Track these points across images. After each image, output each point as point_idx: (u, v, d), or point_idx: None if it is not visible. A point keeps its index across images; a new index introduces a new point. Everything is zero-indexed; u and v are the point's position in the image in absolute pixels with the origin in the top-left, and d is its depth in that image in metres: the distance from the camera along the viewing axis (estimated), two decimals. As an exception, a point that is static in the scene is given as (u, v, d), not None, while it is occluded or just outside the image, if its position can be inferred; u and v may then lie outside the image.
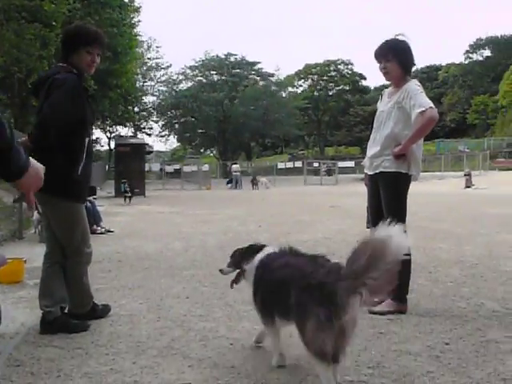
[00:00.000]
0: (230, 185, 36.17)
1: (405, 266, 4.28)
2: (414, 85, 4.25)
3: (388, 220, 4.23)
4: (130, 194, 20.30)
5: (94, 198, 11.80)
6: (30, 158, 1.81)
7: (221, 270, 3.52)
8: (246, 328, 3.83)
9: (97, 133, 59.11)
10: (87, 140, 3.91)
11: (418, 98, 4.11)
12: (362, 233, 9.26)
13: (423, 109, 4.01)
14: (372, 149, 4.48)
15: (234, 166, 38.57)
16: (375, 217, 4.48)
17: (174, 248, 7.98)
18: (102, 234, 10.17)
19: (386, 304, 4.29)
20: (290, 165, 44.91)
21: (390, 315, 4.15)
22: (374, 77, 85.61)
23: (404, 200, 4.34)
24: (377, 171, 4.38)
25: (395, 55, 4.27)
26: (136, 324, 3.97)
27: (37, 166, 1.88)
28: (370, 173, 4.52)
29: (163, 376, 2.92)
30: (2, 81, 26.88)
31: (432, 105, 4.08)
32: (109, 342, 3.53)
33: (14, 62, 21.87)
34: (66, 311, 3.93)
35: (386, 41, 4.35)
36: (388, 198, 4.32)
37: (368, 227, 4.83)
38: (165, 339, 3.59)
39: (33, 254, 6.98)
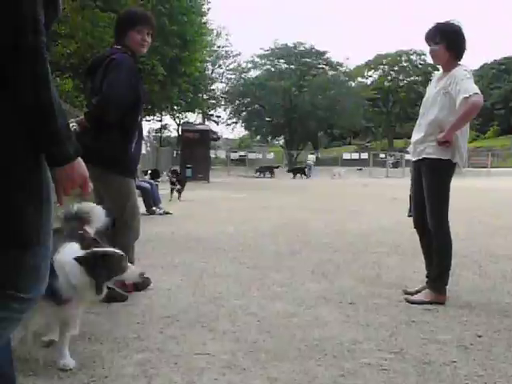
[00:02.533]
0: (258, 173, 35.42)
1: (444, 256, 4.23)
2: (461, 70, 4.13)
3: (428, 208, 4.20)
4: (178, 187, 13.83)
5: (157, 182, 12.15)
6: (80, 158, 1.68)
7: None
8: (276, 308, 3.89)
9: (166, 119, 60.42)
10: (139, 118, 4.09)
11: (464, 84, 3.99)
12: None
13: (467, 95, 3.90)
14: (416, 135, 4.40)
15: (310, 155, 38.89)
16: (417, 205, 4.41)
17: (227, 231, 8.11)
18: (160, 215, 10.47)
19: (423, 294, 4.24)
20: (355, 156, 44.45)
21: (427, 305, 4.09)
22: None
23: (446, 188, 4.24)
24: (419, 157, 4.31)
25: (443, 38, 4.16)
26: (171, 298, 4.10)
27: (83, 164, 1.70)
28: (413, 159, 4.45)
29: (184, 346, 3.02)
30: (77, 67, 27.90)
31: (477, 91, 3.96)
32: (142, 313, 3.67)
33: (88, 48, 22.66)
34: None
35: (437, 23, 4.25)
36: (429, 184, 4.24)
37: (409, 215, 4.73)
38: (195, 313, 3.70)
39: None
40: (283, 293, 4.37)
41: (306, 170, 35.14)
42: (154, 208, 10.65)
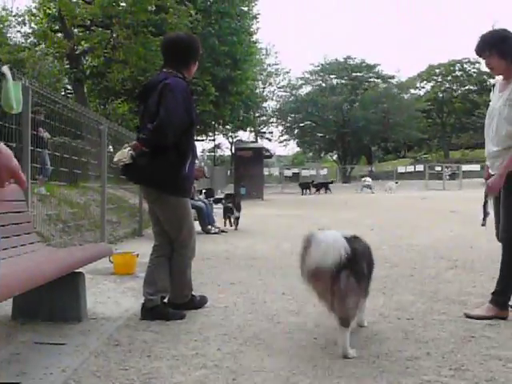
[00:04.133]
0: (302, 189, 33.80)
1: (507, 270, 4.10)
2: None
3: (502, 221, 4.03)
4: (237, 214, 11.63)
5: (210, 201, 12.30)
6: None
7: None
8: (333, 325, 3.85)
9: (219, 138, 61.18)
10: (193, 140, 4.21)
11: None
12: (476, 237, 8.95)
13: None
14: (490, 146, 4.19)
15: (367, 178, 38.33)
16: (498, 216, 4.24)
17: (283, 249, 8.12)
18: (215, 233, 10.58)
19: (484, 308, 4.12)
20: (410, 169, 43.71)
21: (489, 320, 3.98)
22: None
23: None
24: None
25: (492, 48, 4.05)
26: (228, 315, 4.15)
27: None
28: (492, 172, 4.26)
29: (242, 362, 3.05)
30: (131, 91, 28.69)
31: None
32: (199, 330, 3.73)
33: (141, 72, 23.31)
34: (165, 301, 4.19)
35: (481, 36, 4.14)
36: (506, 199, 4.07)
37: (483, 224, 4.53)
38: (252, 330, 3.73)
39: (148, 250, 7.44)
40: (339, 309, 4.34)
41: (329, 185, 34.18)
42: (209, 227, 10.77)
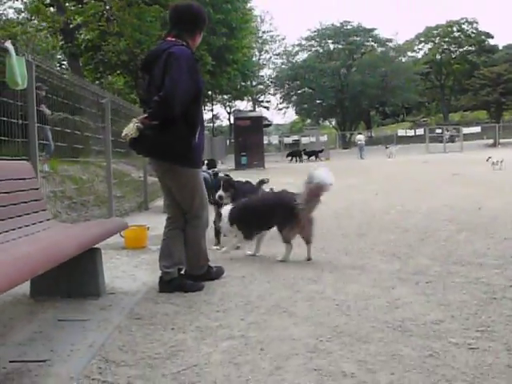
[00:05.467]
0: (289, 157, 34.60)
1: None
2: None
3: None
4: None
5: (214, 171, 12.22)
6: None
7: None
8: (353, 291, 3.85)
9: (216, 108, 60.80)
10: (201, 110, 4.13)
11: None
12: (483, 199, 8.92)
13: None
14: None
15: (358, 135, 38.35)
16: None
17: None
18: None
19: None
20: (411, 132, 43.47)
21: (509, 282, 3.97)
22: (502, 34, 79.72)
23: None
24: None
25: None
26: (247, 285, 4.13)
27: None
28: None
29: (268, 332, 3.03)
30: (127, 63, 28.36)
31: None
32: (220, 301, 3.71)
33: (137, 44, 22.99)
34: (182, 273, 4.17)
35: None
36: None
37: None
38: (273, 299, 3.71)
39: (156, 223, 7.42)
40: (357, 275, 4.34)
41: (323, 152, 34.71)
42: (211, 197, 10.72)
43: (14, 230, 3.40)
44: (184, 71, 3.79)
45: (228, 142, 46.21)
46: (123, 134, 3.87)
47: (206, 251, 4.30)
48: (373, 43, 63.66)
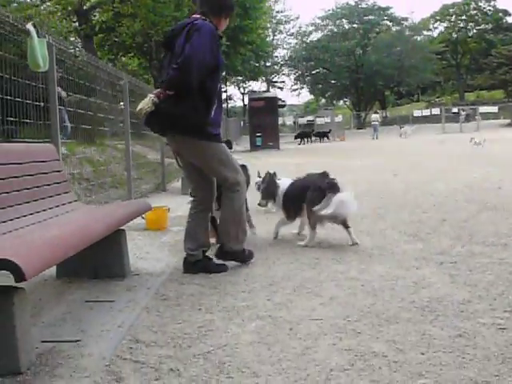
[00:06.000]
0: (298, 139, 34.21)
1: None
2: None
3: None
4: None
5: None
6: None
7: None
8: (377, 271, 3.85)
9: (230, 89, 60.60)
10: (219, 85, 4.02)
11: None
12: (502, 178, 8.84)
13: None
14: None
15: (373, 115, 38.08)
16: None
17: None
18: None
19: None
20: (426, 112, 43.07)
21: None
22: (520, 12, 77.73)
23: None
24: None
25: None
26: (270, 266, 4.14)
27: None
28: None
29: (295, 312, 3.04)
30: (141, 45, 28.29)
31: None
32: (244, 282, 3.72)
33: (151, 25, 22.91)
34: (208, 254, 4.15)
35: None
36: None
37: None
38: (297, 279, 3.72)
39: (175, 204, 7.47)
40: (380, 256, 4.33)
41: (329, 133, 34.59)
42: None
43: (38, 212, 3.43)
44: (205, 42, 3.72)
45: (242, 123, 46.09)
46: (138, 109, 3.82)
47: (245, 223, 4.24)
48: (388, 22, 62.81)
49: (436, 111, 41.50)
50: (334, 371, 2.27)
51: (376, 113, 40.43)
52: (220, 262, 4.12)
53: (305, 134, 34.54)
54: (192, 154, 4.01)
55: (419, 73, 57.86)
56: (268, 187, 5.29)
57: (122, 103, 9.25)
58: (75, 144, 8.56)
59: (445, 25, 70.46)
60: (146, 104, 3.77)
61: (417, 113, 44.24)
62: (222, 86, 4.46)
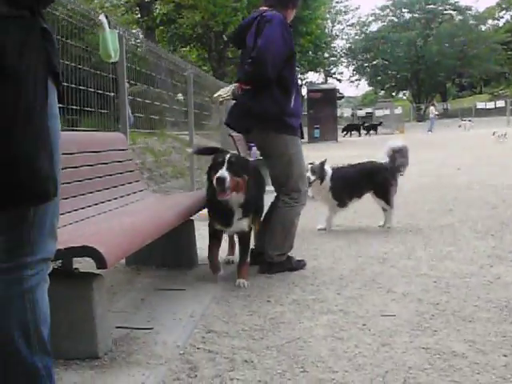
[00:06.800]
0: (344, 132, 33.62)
1: None
2: None
3: None
4: None
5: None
6: None
7: None
8: (449, 268, 3.74)
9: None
10: (295, 73, 3.91)
11: None
12: None
13: None
14: None
15: (431, 107, 37.15)
16: None
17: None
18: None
19: None
20: (490, 105, 41.61)
21: None
22: None
23: None
24: None
25: None
26: (337, 259, 4.09)
27: None
28: None
29: (367, 307, 2.99)
30: (201, 36, 28.54)
31: None
32: (313, 275, 3.69)
33: (211, 16, 23.07)
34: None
35: None
36: None
37: None
38: (367, 274, 3.66)
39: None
40: (451, 252, 4.20)
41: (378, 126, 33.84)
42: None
43: (111, 200, 3.49)
44: (277, 32, 3.63)
45: (299, 114, 45.78)
46: (216, 94, 3.83)
47: (294, 236, 3.92)
48: (451, 11, 60.87)
49: (501, 104, 40.00)
50: (412, 369, 2.21)
51: (433, 105, 39.31)
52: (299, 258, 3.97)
53: (353, 126, 34.04)
54: (266, 146, 3.88)
55: (483, 64, 55.90)
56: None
57: (179, 95, 9.35)
58: (137, 134, 8.72)
59: (511, 13, 67.78)
60: (225, 92, 3.77)
61: (480, 105, 42.78)
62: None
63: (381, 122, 34.47)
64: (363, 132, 33.76)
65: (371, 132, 33.31)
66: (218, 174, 3.20)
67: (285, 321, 2.83)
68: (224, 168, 3.23)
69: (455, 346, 2.42)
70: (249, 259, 3.68)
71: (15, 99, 1.38)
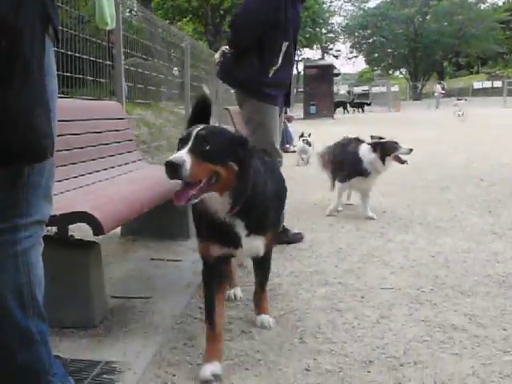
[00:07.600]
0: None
1: None
2: None
3: None
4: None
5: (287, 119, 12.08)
6: None
7: None
8: (447, 243, 3.72)
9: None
10: (285, 44, 3.67)
11: None
12: None
13: None
14: None
15: (438, 85, 37.01)
16: None
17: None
18: (293, 152, 10.44)
19: None
20: (487, 85, 41.48)
21: None
22: None
23: None
24: None
25: None
26: (335, 233, 4.07)
27: None
28: None
29: (365, 279, 2.97)
30: (197, 9, 28.18)
31: None
32: (310, 248, 3.67)
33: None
34: None
35: None
36: None
37: None
38: (364, 247, 3.64)
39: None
40: (449, 228, 4.18)
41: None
42: (286, 146, 10.65)
43: (107, 169, 3.43)
44: None
45: (295, 90, 45.54)
46: (213, 58, 3.90)
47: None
48: (451, -12, 60.35)
49: (498, 84, 39.87)
50: (412, 341, 2.19)
51: (439, 83, 39.10)
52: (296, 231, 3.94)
53: (340, 103, 33.92)
54: (244, 107, 3.80)
55: (481, 43, 55.58)
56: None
57: (175, 68, 9.22)
58: (132, 106, 8.62)
59: (511, -8, 67.16)
60: (218, 54, 3.81)
61: (477, 85, 42.66)
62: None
63: (370, 102, 34.43)
64: (351, 110, 33.67)
65: (358, 110, 33.36)
66: (169, 158, 1.77)
67: (283, 292, 2.81)
68: (186, 148, 1.79)
69: (455, 320, 2.40)
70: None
71: (12, 54, 1.33)
